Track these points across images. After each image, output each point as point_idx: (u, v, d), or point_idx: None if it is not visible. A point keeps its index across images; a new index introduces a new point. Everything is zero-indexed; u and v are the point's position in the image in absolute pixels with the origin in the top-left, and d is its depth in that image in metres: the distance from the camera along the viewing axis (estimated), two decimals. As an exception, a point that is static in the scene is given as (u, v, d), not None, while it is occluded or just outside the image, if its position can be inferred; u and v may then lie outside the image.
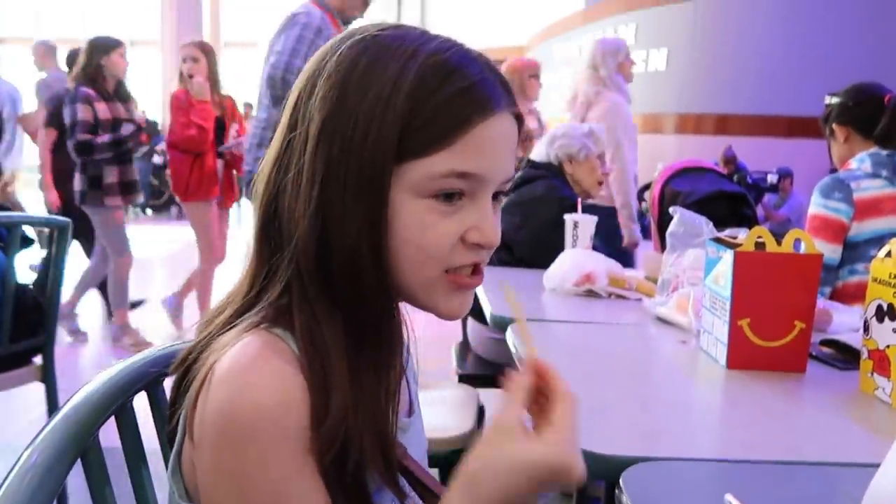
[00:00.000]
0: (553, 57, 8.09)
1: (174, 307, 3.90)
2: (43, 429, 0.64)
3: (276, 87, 2.48)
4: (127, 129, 3.54)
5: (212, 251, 3.77)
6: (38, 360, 2.05)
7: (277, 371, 0.54)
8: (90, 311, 4.18)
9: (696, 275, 1.47)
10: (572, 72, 7.23)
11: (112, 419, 0.70)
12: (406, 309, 0.65)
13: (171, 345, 0.77)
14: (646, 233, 3.20)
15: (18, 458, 0.61)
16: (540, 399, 0.58)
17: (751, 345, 1.17)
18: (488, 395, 1.99)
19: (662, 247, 1.74)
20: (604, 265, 1.80)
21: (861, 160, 1.93)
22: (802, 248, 1.20)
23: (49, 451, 0.63)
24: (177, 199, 3.95)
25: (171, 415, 0.62)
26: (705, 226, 1.57)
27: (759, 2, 6.16)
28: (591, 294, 1.75)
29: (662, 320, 1.52)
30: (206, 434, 0.54)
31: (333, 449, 0.55)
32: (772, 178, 5.57)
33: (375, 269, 0.58)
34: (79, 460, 0.65)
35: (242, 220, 7.37)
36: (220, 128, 3.73)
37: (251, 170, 2.64)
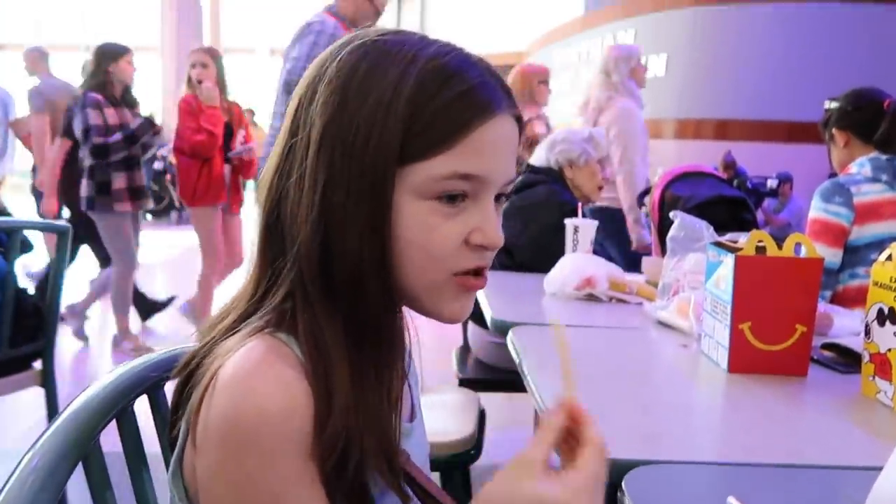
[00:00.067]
0: (553, 63, 8.10)
1: (188, 312, 3.90)
2: (44, 432, 0.64)
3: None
4: (136, 123, 3.55)
5: (215, 256, 3.77)
6: (37, 364, 2.05)
7: (281, 376, 0.54)
8: (93, 315, 4.18)
9: (697, 279, 1.47)
10: (572, 77, 7.25)
11: (113, 423, 0.70)
12: (408, 313, 0.65)
13: (173, 349, 0.77)
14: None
15: (19, 462, 0.61)
16: (570, 441, 0.58)
17: (752, 348, 1.17)
18: (489, 399, 1.99)
19: (663, 251, 1.75)
20: (604, 269, 1.80)
21: (861, 165, 1.93)
22: (803, 252, 1.20)
23: (50, 454, 0.63)
24: (176, 204, 3.97)
25: (173, 419, 0.62)
26: (706, 230, 1.57)
27: (759, 8, 6.17)
28: (591, 298, 1.75)
29: (663, 324, 1.52)
30: (209, 439, 0.54)
31: (335, 453, 0.54)
32: (771, 183, 5.56)
33: (378, 273, 0.58)
34: (80, 465, 0.65)
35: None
36: (228, 133, 3.75)
37: None
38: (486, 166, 0.59)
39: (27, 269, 4.33)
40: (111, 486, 0.68)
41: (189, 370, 0.61)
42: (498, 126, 0.59)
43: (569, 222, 1.96)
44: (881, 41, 5.61)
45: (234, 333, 0.59)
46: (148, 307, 4.25)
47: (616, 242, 3.24)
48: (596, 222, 1.99)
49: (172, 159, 8.46)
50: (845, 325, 1.44)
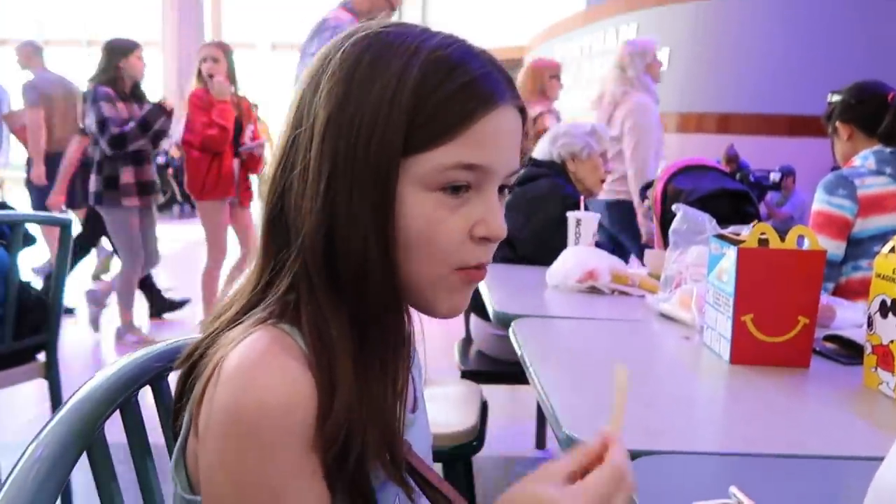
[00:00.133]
0: (554, 57, 8.08)
1: None
2: (48, 423, 0.64)
3: None
4: (146, 109, 3.56)
5: (220, 250, 3.78)
6: (41, 356, 2.06)
7: (285, 368, 0.54)
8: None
9: (700, 271, 1.47)
10: (574, 71, 7.23)
11: (117, 413, 0.71)
12: None
13: (176, 340, 0.77)
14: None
15: (24, 452, 0.61)
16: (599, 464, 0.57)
17: (754, 340, 1.17)
18: (491, 391, 2.00)
19: (665, 244, 1.75)
20: (606, 262, 1.80)
21: (865, 157, 1.93)
22: (806, 245, 1.20)
23: (54, 444, 0.63)
24: (178, 198, 3.97)
25: (176, 410, 0.63)
26: (708, 223, 1.57)
27: (761, 1, 6.15)
28: (594, 291, 1.76)
29: (666, 316, 1.52)
30: (212, 430, 0.54)
31: (337, 444, 0.55)
32: (774, 177, 5.55)
33: (383, 265, 0.58)
34: (84, 455, 0.66)
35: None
36: (237, 128, 3.75)
37: None
38: (490, 157, 0.59)
39: (34, 266, 4.36)
40: (115, 476, 0.68)
41: (192, 361, 0.61)
42: (501, 117, 0.59)
43: (571, 215, 1.97)
44: (883, 34, 5.59)
45: (237, 324, 0.59)
46: (161, 305, 4.26)
47: (631, 235, 3.25)
48: (598, 215, 2.00)
49: (175, 153, 8.48)
50: (848, 318, 1.44)
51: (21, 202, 5.21)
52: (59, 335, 2.08)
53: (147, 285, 4.20)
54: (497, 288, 1.70)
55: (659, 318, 1.52)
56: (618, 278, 1.77)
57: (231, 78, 3.70)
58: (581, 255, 1.83)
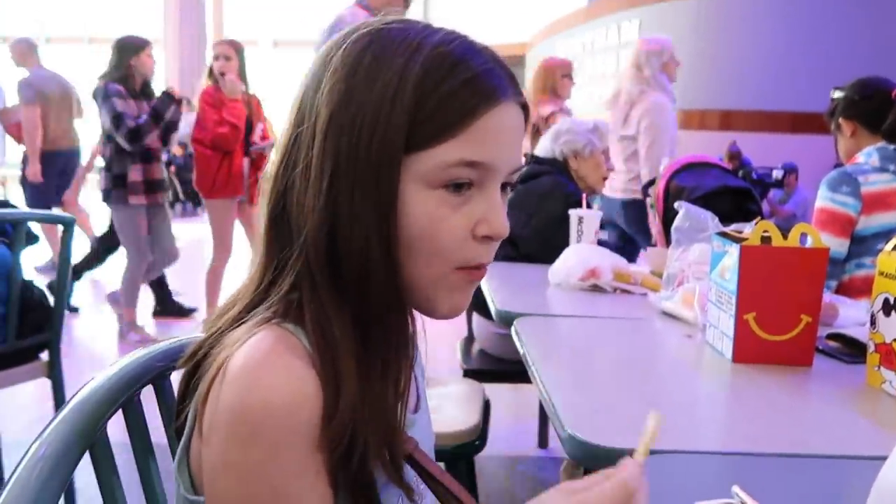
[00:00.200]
0: (556, 54, 8.08)
1: None
2: (51, 422, 0.64)
3: None
4: (153, 101, 3.56)
5: (226, 249, 3.79)
6: (44, 355, 2.06)
7: (290, 367, 0.54)
8: (103, 308, 4.20)
9: (702, 269, 1.47)
10: (576, 68, 7.23)
11: (119, 413, 0.71)
12: None
13: (179, 339, 0.77)
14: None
15: (27, 451, 0.61)
16: None
17: (757, 339, 1.17)
18: (493, 390, 1.99)
19: (667, 242, 1.74)
20: (609, 260, 1.80)
21: (868, 154, 1.92)
22: (808, 243, 1.20)
23: (57, 443, 0.63)
24: (181, 196, 3.96)
25: (180, 409, 0.63)
26: (710, 220, 1.57)
27: (763, -3, 6.14)
28: (596, 289, 1.75)
29: (668, 315, 1.51)
30: (216, 430, 0.54)
31: (342, 444, 0.55)
32: (777, 174, 5.54)
33: (385, 263, 0.58)
34: (87, 454, 0.66)
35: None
36: (248, 127, 3.75)
37: None
38: (492, 153, 0.59)
39: (37, 265, 4.36)
40: (118, 475, 0.68)
41: (196, 360, 0.61)
42: (503, 113, 0.59)
43: (573, 213, 1.96)
44: (887, 30, 5.58)
45: (241, 323, 0.59)
46: (170, 308, 4.26)
47: (647, 234, 3.24)
48: (600, 213, 1.99)
49: (176, 151, 8.48)
50: (851, 316, 1.44)
51: (19, 200, 5.22)
52: (63, 334, 2.08)
53: (160, 285, 4.20)
54: (499, 286, 1.70)
55: (661, 317, 1.52)
56: (620, 276, 1.77)
57: (242, 76, 3.69)
58: (583, 253, 1.83)
